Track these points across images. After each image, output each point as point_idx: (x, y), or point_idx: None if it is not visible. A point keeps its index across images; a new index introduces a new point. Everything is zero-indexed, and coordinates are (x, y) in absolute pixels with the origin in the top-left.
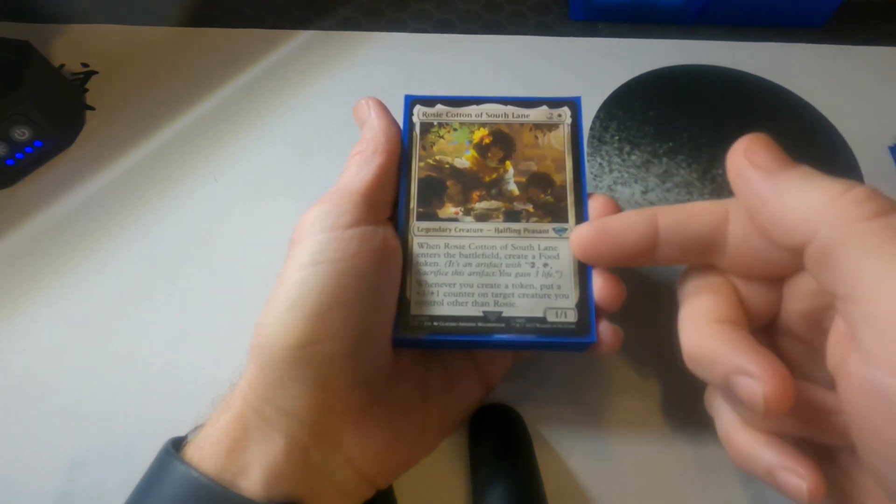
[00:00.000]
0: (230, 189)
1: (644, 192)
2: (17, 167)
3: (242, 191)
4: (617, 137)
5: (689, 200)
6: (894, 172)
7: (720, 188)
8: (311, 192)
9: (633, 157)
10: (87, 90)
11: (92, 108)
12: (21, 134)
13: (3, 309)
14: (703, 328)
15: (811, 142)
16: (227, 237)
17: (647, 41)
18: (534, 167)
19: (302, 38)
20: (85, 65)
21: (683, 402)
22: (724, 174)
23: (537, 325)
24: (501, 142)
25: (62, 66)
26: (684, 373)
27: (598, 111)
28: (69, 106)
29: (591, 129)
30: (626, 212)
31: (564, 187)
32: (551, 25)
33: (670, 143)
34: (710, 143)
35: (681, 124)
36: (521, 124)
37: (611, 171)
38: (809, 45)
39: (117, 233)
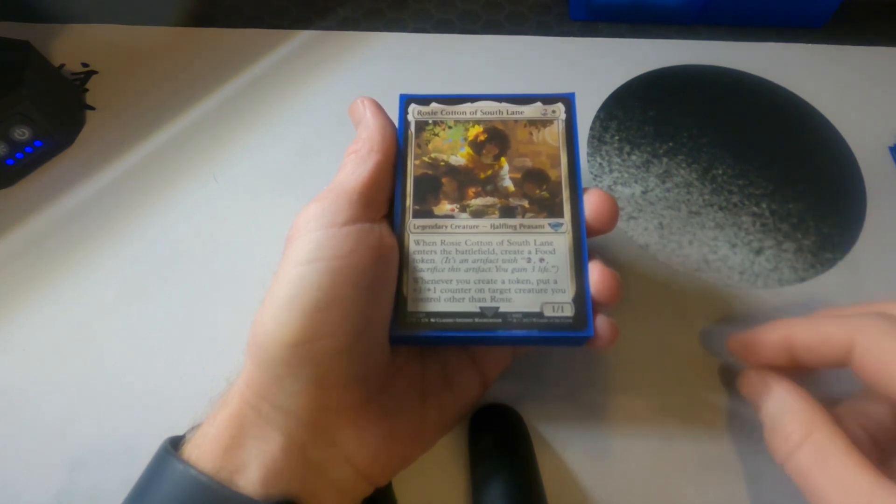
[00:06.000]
0: (230, 189)
1: (644, 192)
2: (17, 167)
3: (242, 190)
4: (617, 137)
5: (689, 200)
6: (894, 172)
7: (720, 188)
8: (311, 192)
9: (633, 157)
10: (87, 90)
11: (92, 108)
12: (21, 134)
13: (2, 308)
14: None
15: (811, 142)
16: (226, 236)
17: (647, 41)
18: (529, 163)
19: (302, 38)
20: (85, 65)
21: (683, 401)
22: (723, 174)
23: (534, 319)
24: (496, 139)
25: (62, 66)
26: (684, 372)
27: (598, 111)
28: (69, 106)
29: (591, 129)
30: (764, 329)
31: (559, 183)
32: (551, 25)
33: (670, 143)
34: (710, 143)
35: (681, 124)
36: (516, 121)
37: (611, 171)
38: (809, 45)
39: (117, 233)
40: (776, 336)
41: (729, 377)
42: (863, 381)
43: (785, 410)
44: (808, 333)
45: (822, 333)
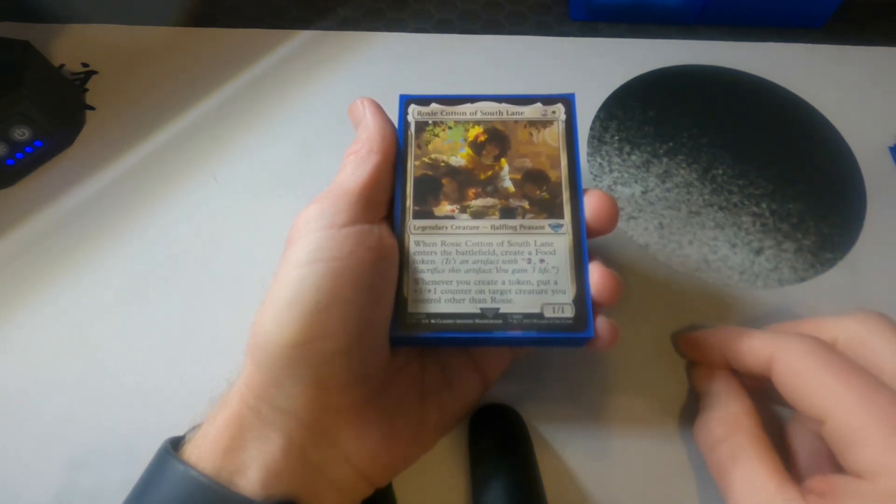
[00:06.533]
0: (230, 189)
1: (644, 192)
2: (17, 167)
3: (242, 190)
4: (617, 137)
5: (689, 200)
6: (894, 172)
7: (720, 188)
8: (310, 192)
9: (633, 157)
10: (87, 90)
11: (92, 108)
12: (21, 134)
13: (2, 308)
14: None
15: (811, 142)
16: (226, 237)
17: (647, 41)
18: (529, 164)
19: (302, 38)
20: (85, 65)
21: (683, 401)
22: (723, 174)
23: (535, 320)
24: (496, 139)
25: (62, 66)
26: (684, 372)
27: (598, 111)
28: (69, 106)
29: (591, 129)
30: (707, 332)
31: (560, 183)
32: (551, 25)
33: (670, 143)
34: (710, 143)
35: (681, 124)
36: (516, 122)
37: (611, 171)
38: (809, 45)
39: (117, 233)
40: (715, 340)
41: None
42: (780, 393)
43: (716, 405)
44: (739, 343)
45: (750, 345)
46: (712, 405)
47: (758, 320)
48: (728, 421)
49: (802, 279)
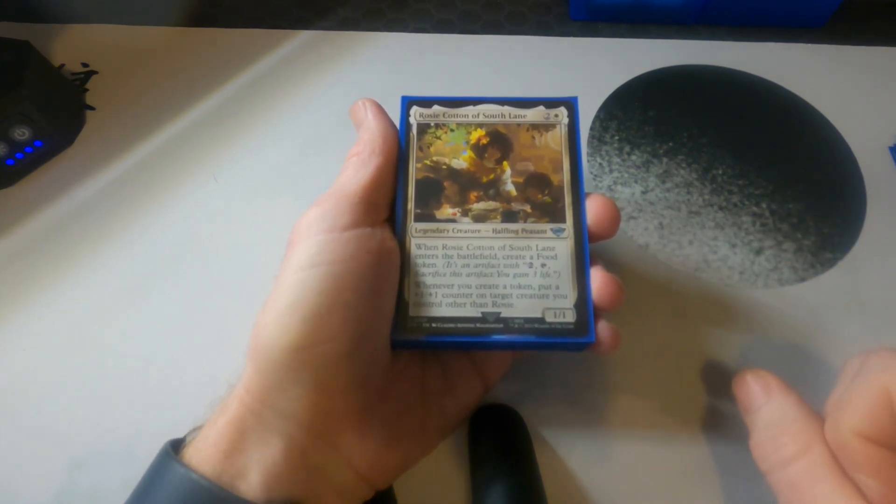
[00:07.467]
0: (230, 189)
1: (644, 192)
2: (17, 167)
3: (242, 191)
4: (617, 137)
5: (689, 200)
6: (894, 172)
7: (720, 188)
8: (311, 193)
9: (633, 157)
10: (87, 90)
11: (92, 108)
12: (21, 134)
13: (2, 308)
14: None
15: (811, 142)
16: (226, 237)
17: (647, 41)
18: (531, 167)
19: (302, 38)
20: (85, 65)
21: (683, 402)
22: (723, 174)
23: (536, 325)
24: (498, 142)
25: (62, 66)
26: (684, 373)
27: (598, 111)
28: (69, 106)
29: (591, 129)
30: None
31: (562, 188)
32: (551, 25)
33: (670, 143)
34: (710, 143)
35: (681, 124)
36: (519, 125)
37: (611, 171)
38: (809, 45)
39: (117, 233)
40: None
41: (727, 378)
42: None
43: (784, 419)
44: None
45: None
46: (778, 419)
47: (758, 321)
48: (801, 435)
49: (802, 279)
